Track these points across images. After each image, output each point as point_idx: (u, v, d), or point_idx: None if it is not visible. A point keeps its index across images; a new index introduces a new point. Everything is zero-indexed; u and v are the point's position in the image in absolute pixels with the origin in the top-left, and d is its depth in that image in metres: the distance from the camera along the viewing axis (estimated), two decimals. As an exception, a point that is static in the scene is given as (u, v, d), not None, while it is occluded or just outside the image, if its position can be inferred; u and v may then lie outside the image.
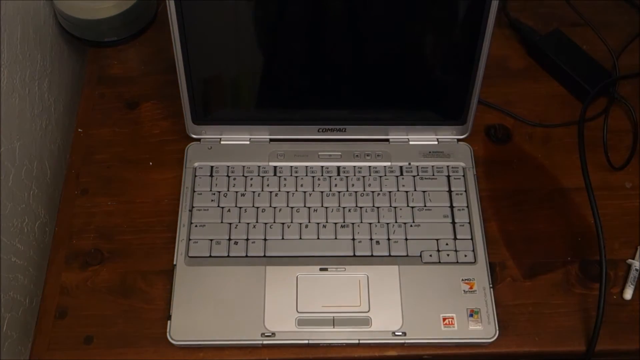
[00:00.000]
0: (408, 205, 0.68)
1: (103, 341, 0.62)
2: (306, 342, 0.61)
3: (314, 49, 0.66)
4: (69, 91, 0.78)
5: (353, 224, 0.66)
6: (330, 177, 0.69)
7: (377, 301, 0.62)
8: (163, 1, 0.64)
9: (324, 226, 0.66)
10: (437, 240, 0.66)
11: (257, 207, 0.67)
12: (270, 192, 0.68)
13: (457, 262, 0.65)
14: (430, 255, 0.65)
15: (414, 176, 0.69)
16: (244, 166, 0.69)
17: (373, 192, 0.68)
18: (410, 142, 0.72)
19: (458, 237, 0.66)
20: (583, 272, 0.66)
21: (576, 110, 0.74)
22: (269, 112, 0.70)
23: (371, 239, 0.66)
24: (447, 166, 0.70)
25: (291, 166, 0.70)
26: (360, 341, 0.61)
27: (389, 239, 0.66)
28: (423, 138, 0.72)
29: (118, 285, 0.65)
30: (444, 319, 0.62)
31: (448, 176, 0.70)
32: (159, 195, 0.70)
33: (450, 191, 0.69)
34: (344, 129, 0.71)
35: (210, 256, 0.65)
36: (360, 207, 0.67)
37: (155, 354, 0.61)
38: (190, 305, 0.62)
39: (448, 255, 0.65)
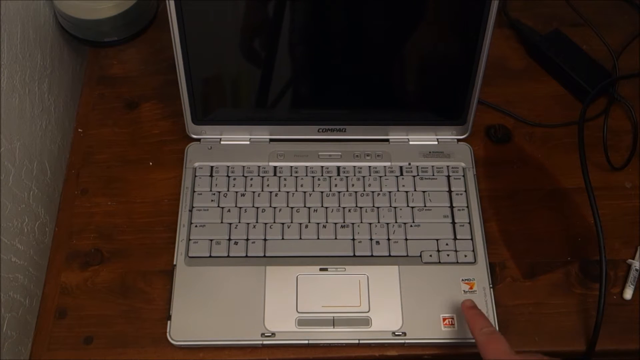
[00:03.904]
0: (408, 206, 0.68)
1: (103, 341, 0.62)
2: (306, 342, 0.61)
3: (313, 49, 0.66)
4: (69, 91, 0.77)
5: (353, 224, 0.66)
6: (330, 177, 0.69)
7: (377, 301, 0.62)
8: (163, 1, 0.64)
9: (324, 226, 0.66)
10: (437, 240, 0.66)
11: (257, 207, 0.67)
12: (270, 192, 0.68)
13: (457, 262, 0.65)
14: (430, 256, 0.65)
15: (414, 176, 0.69)
16: (244, 166, 0.69)
17: (373, 192, 0.68)
18: (410, 142, 0.72)
19: (458, 237, 0.66)
20: (583, 272, 0.66)
21: (576, 110, 0.74)
22: (269, 112, 0.70)
23: (371, 239, 0.66)
24: (447, 166, 0.70)
25: (291, 166, 0.70)
26: (360, 341, 0.61)
27: (389, 239, 0.66)
28: (423, 138, 0.72)
29: (118, 285, 0.65)
30: (444, 319, 0.62)
31: (448, 176, 0.70)
32: (159, 195, 0.70)
33: (450, 191, 0.69)
34: (344, 129, 0.71)
35: (210, 256, 0.65)
36: (360, 207, 0.67)
37: (155, 354, 0.61)
38: (190, 305, 0.62)
39: (448, 255, 0.65)
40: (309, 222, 0.66)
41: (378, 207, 0.67)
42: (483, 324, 0.57)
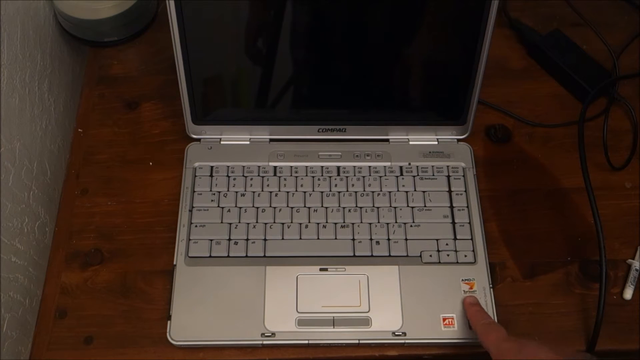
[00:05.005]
0: (408, 206, 0.68)
1: (103, 341, 0.62)
2: (306, 342, 0.61)
3: (313, 49, 0.66)
4: (69, 91, 0.77)
5: (353, 224, 0.66)
6: (330, 177, 0.69)
7: (377, 301, 0.62)
8: (163, 1, 0.64)
9: (324, 226, 0.66)
10: (437, 240, 0.66)
11: (257, 207, 0.67)
12: (270, 192, 0.68)
13: (457, 262, 0.65)
14: (430, 256, 0.65)
15: (414, 176, 0.69)
16: (244, 166, 0.69)
17: (373, 192, 0.68)
18: (410, 142, 0.72)
19: (458, 237, 0.66)
20: (583, 272, 0.66)
21: (576, 110, 0.74)
22: (269, 112, 0.70)
23: (371, 239, 0.66)
24: (447, 166, 0.70)
25: (291, 166, 0.70)
26: (360, 341, 0.61)
27: (389, 239, 0.66)
28: (423, 138, 0.72)
29: (118, 285, 0.65)
30: (444, 319, 0.62)
31: (448, 176, 0.70)
32: (159, 195, 0.70)
33: (450, 191, 0.69)
34: (344, 129, 0.71)
35: (210, 256, 0.65)
36: (360, 207, 0.67)
37: (155, 354, 0.61)
38: (190, 305, 0.62)
39: (448, 255, 0.65)
40: (309, 222, 0.66)
41: (378, 207, 0.67)
42: (483, 318, 0.58)
